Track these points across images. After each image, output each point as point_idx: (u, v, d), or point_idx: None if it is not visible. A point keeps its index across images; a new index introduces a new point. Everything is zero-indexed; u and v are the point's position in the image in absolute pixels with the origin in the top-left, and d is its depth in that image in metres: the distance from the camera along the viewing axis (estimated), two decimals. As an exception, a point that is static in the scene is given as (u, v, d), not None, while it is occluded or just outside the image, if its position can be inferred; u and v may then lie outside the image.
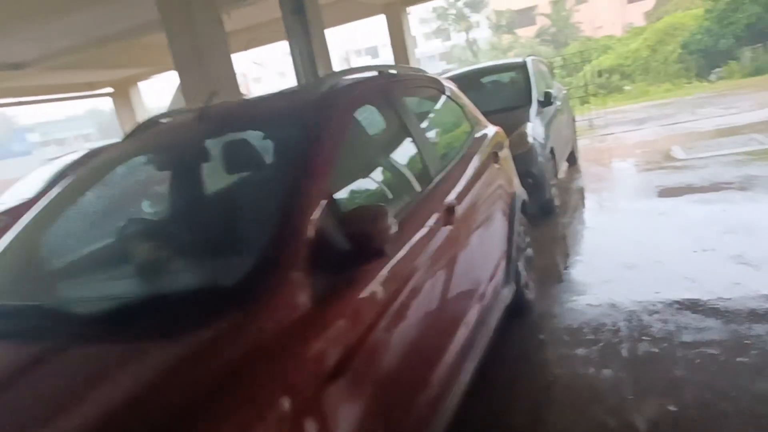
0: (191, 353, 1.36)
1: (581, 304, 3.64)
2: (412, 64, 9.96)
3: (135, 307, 1.58)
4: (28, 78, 9.59)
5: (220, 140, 2.26)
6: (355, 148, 2.29)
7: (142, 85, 12.83)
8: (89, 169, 2.32)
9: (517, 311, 3.45)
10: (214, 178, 2.33)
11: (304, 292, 1.58)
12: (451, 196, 2.62)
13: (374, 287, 1.82)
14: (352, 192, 2.10)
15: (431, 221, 2.35)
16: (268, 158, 2.20)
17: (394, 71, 3.05)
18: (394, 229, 1.78)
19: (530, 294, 3.69)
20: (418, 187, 2.48)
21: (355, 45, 45.97)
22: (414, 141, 2.62)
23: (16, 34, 6.73)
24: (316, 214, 1.73)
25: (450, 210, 2.53)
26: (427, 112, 3.43)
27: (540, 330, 3.43)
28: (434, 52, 43.58)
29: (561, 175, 6.87)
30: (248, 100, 2.79)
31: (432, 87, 3.48)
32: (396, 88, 2.80)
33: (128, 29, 7.28)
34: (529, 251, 3.89)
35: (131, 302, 1.62)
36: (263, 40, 10.25)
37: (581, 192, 6.74)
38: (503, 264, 3.27)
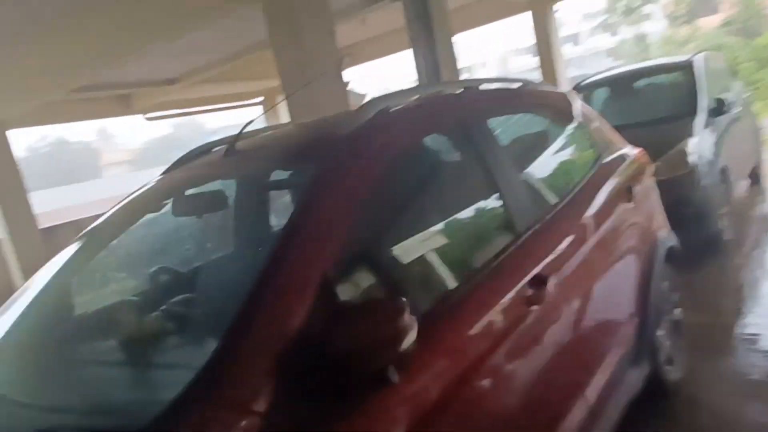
0: None
1: (751, 393, 2.67)
2: (558, 64, 9.03)
3: None
4: (183, 92, 10.25)
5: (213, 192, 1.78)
6: (392, 202, 1.67)
7: (289, 94, 13.16)
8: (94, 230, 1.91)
9: (654, 395, 2.59)
10: (192, 248, 1.84)
11: None
12: (545, 262, 1.90)
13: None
14: (368, 272, 1.46)
15: (503, 304, 1.67)
16: (261, 223, 1.66)
17: (485, 86, 2.39)
18: (410, 338, 1.18)
19: (675, 372, 2.78)
20: (489, 254, 1.80)
21: (514, 44, 44.49)
22: (495, 183, 1.93)
23: (158, 53, 7.11)
24: (289, 318, 1.19)
25: (539, 281, 1.82)
26: (529, 139, 2.67)
27: (683, 430, 2.54)
28: (600, 48, 40.59)
29: (737, 198, 5.55)
30: (272, 135, 2.28)
31: (540, 103, 2.74)
32: (477, 111, 2.14)
33: (258, 43, 7.31)
34: (677, 313, 2.97)
35: None
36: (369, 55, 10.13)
37: (765, 222, 5.38)
38: (632, 338, 2.45)
